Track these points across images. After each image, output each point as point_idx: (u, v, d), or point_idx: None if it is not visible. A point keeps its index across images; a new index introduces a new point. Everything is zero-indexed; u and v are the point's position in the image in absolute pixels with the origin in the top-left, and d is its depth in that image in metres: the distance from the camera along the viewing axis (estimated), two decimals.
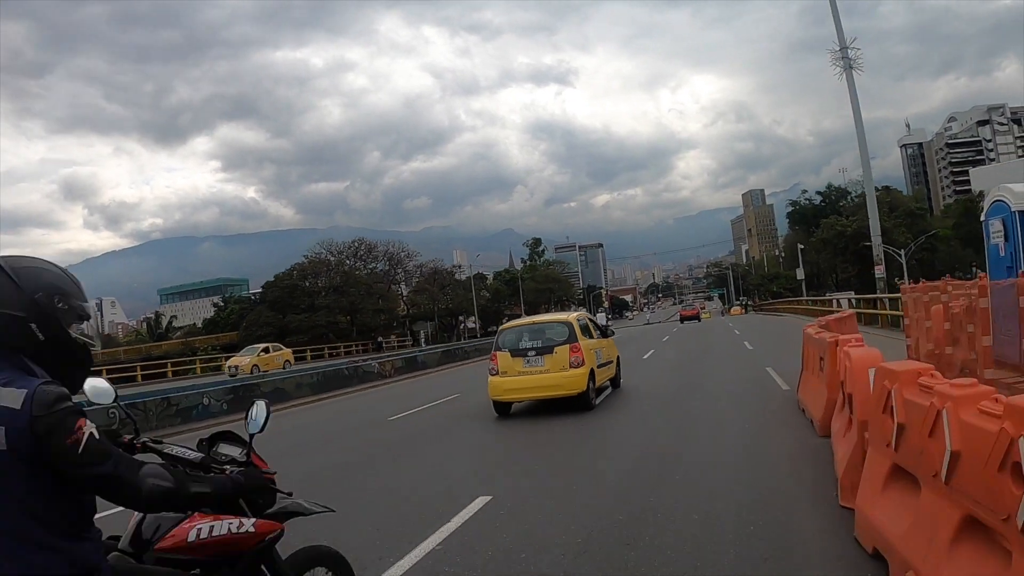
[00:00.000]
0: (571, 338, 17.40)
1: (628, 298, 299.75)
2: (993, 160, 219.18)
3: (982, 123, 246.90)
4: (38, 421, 2.77)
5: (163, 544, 3.50)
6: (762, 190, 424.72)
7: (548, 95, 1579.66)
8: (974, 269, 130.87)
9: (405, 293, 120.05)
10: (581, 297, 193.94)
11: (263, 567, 3.92)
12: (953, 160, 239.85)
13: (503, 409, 18.03)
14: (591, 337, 18.74)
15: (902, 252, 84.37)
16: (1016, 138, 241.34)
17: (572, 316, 19.03)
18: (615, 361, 21.31)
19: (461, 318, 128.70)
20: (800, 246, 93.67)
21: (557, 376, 17.05)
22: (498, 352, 18.06)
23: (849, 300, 52.60)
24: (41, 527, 2.79)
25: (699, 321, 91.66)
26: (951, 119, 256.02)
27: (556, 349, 17.21)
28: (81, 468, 2.84)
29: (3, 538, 2.73)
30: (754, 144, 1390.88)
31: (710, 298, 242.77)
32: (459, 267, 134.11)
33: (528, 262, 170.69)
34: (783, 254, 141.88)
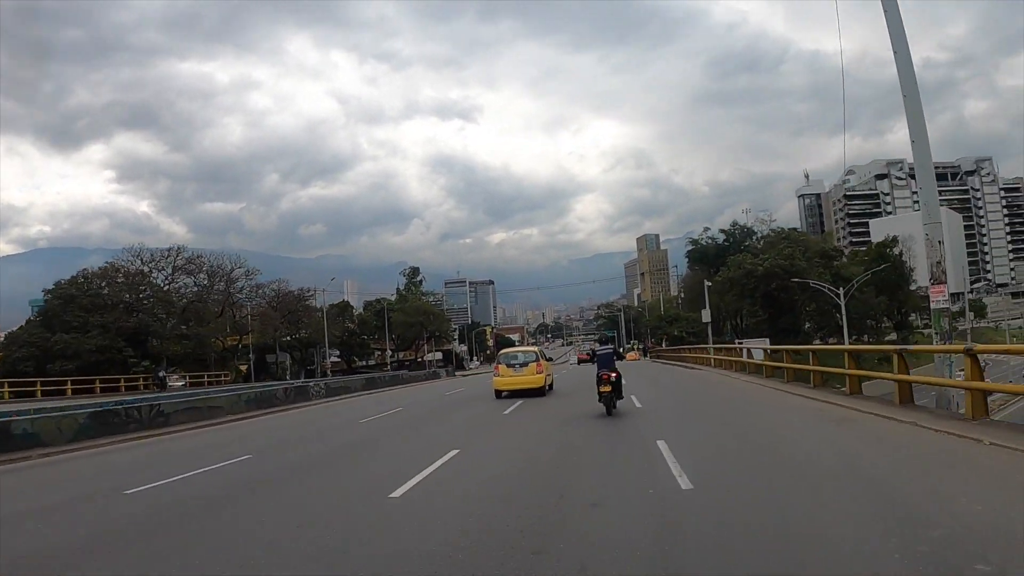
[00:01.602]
0: (538, 360, 33.56)
1: (516, 337, 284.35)
2: (890, 213, 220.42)
3: (880, 177, 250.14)
4: None
5: None
6: (657, 235, 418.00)
7: (451, 130, 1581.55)
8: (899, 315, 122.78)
9: (246, 316, 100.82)
10: (456, 334, 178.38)
11: None
12: (851, 211, 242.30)
13: (499, 394, 32.43)
14: (546, 360, 36.74)
15: (841, 292, 70.69)
16: (912, 192, 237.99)
17: (538, 349, 38.13)
18: (552, 374, 37.71)
19: (325, 351, 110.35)
20: (707, 283, 79.34)
21: (530, 378, 32.32)
22: (499, 364, 34.16)
23: (765, 351, 39.63)
24: None
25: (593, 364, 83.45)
26: (850, 172, 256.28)
27: (530, 364, 32.97)
28: None
29: None
30: (651, 191, 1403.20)
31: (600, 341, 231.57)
32: (310, 291, 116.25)
33: (404, 292, 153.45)
34: (682, 295, 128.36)
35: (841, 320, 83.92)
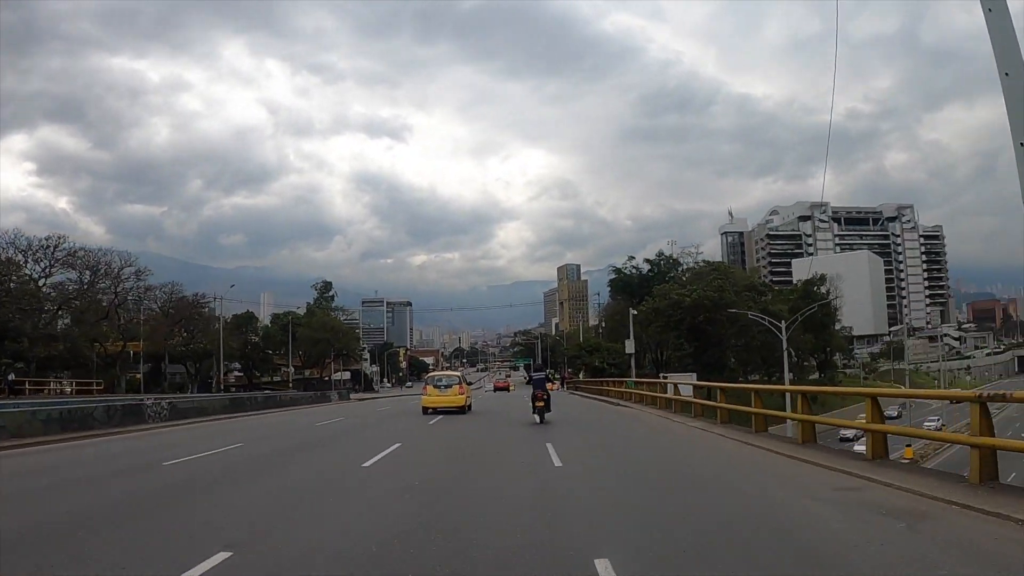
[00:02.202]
0: (460, 383, 39.20)
1: (430, 360, 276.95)
2: (811, 254, 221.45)
3: (803, 218, 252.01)
4: None
5: None
6: (578, 265, 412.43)
7: (380, 148, 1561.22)
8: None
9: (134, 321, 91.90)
10: (365, 355, 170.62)
11: None
12: (773, 251, 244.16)
13: (428, 411, 36.61)
14: (467, 384, 42.49)
15: (783, 326, 65.48)
16: (835, 235, 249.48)
17: (460, 374, 46.79)
18: (471, 396, 43.45)
19: (219, 363, 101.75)
20: (633, 312, 73.45)
21: (453, 398, 37.41)
22: (427, 385, 39.43)
23: (694, 387, 38.18)
24: None
25: (508, 392, 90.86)
26: (773, 212, 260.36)
27: (454, 386, 38.29)
28: None
29: None
30: (574, 222, 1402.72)
31: (516, 368, 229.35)
32: (203, 296, 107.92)
33: (314, 307, 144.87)
34: (603, 324, 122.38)
35: (782, 356, 79.44)
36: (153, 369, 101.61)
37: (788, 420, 29.49)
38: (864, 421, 16.11)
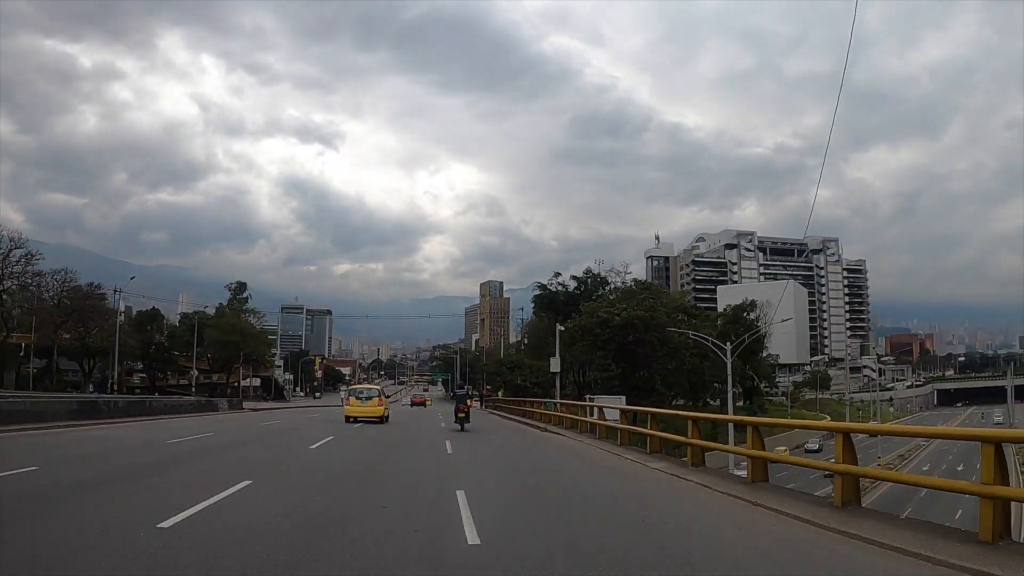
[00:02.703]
0: (380, 396, 44.20)
1: (347, 371, 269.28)
2: (736, 282, 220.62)
3: (730, 247, 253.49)
4: None
5: None
6: (501, 282, 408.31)
7: (310, 153, 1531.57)
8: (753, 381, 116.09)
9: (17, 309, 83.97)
10: (277, 360, 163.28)
11: None
12: (698, 277, 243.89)
13: (350, 420, 41.01)
14: (385, 397, 46.99)
15: (728, 348, 60.93)
16: (760, 265, 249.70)
17: (380, 388, 52.10)
18: (389, 408, 48.35)
19: (115, 361, 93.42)
20: (560, 327, 68.13)
21: (373, 408, 42.21)
22: (350, 397, 45.28)
23: (622, 412, 32.54)
24: None
25: (425, 407, 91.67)
26: (700, 239, 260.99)
27: (374, 398, 43.30)
28: None
29: None
30: (500, 239, 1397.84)
31: (434, 382, 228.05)
32: (98, 287, 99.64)
33: (226, 308, 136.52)
34: (526, 340, 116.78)
35: (711, 382, 75.13)
36: (48, 365, 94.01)
37: (731, 454, 28.58)
38: (833, 462, 14.18)
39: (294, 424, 40.47)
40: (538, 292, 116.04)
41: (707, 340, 71.15)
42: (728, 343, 67.61)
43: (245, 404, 79.64)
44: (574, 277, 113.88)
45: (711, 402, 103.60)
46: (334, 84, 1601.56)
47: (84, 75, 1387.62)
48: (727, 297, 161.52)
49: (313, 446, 25.45)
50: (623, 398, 56.38)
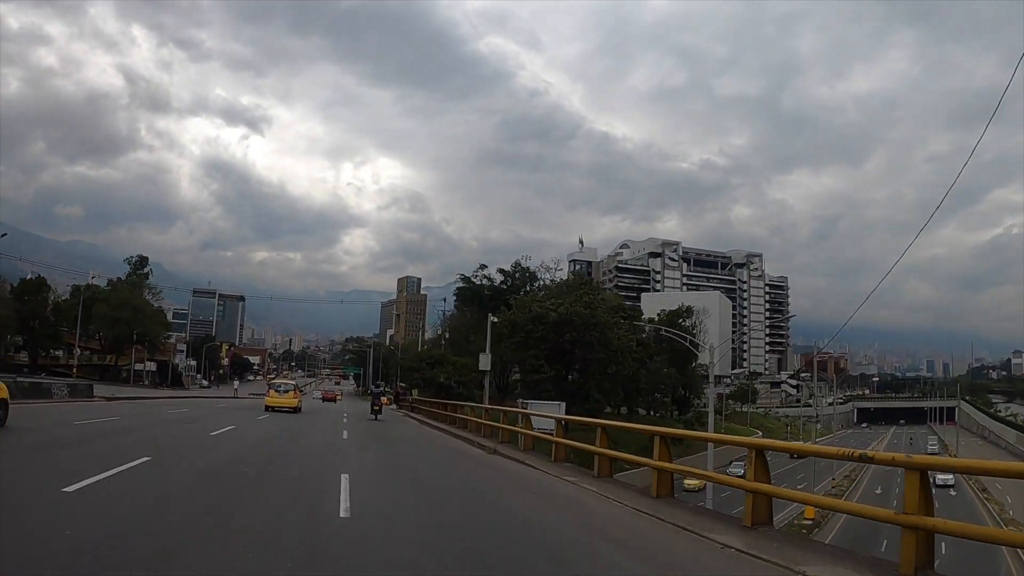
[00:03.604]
0: (295, 390, 52.11)
1: (256, 360, 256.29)
2: (659, 290, 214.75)
3: (654, 255, 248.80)
4: None
5: None
6: (419, 279, 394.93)
7: (235, 136, 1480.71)
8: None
9: None
10: (181, 346, 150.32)
11: None
12: (621, 283, 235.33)
13: (267, 408, 46.41)
14: (300, 391, 55.34)
15: (711, 347, 52.21)
16: (683, 275, 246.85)
17: (295, 383, 64.47)
18: (302, 401, 53.75)
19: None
20: (493, 318, 58.00)
21: (290, 400, 47.83)
22: (271, 389, 50.98)
23: (559, 421, 24.40)
24: None
25: (335, 403, 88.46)
26: (624, 245, 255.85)
27: (291, 391, 49.84)
28: None
29: None
30: (420, 236, 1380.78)
31: (345, 376, 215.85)
32: None
33: (122, 282, 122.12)
34: (447, 335, 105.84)
35: (647, 390, 66.05)
36: None
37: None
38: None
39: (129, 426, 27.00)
40: (461, 285, 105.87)
41: (682, 337, 62.91)
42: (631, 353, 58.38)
43: (127, 391, 66.60)
44: (501, 270, 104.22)
45: (642, 412, 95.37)
46: (265, 67, 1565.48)
47: (10, 36, 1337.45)
48: (652, 304, 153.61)
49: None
50: (562, 404, 46.04)
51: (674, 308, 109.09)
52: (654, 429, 16.37)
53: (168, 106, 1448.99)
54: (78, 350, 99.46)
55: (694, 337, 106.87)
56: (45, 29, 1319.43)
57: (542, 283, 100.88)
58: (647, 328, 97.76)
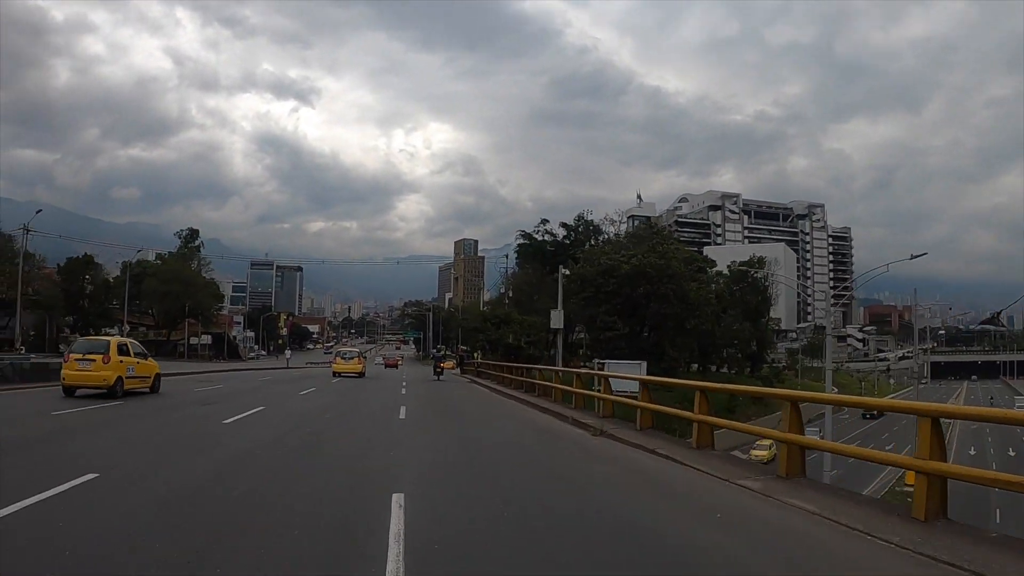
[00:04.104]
0: (359, 357, 56.24)
1: (315, 328, 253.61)
2: (720, 244, 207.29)
3: (713, 208, 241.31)
4: None
5: None
6: (476, 241, 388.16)
7: (285, 109, 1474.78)
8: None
9: None
10: (228, 314, 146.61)
11: None
12: (681, 238, 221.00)
13: (335, 375, 49.53)
14: (364, 358, 59.48)
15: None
16: (745, 228, 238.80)
17: (360, 350, 65.57)
18: (366, 367, 57.49)
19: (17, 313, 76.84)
20: (564, 270, 52.36)
21: (355, 366, 52.23)
22: (337, 357, 54.50)
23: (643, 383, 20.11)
24: None
25: (396, 369, 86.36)
26: (683, 199, 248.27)
27: (355, 358, 54.04)
28: None
29: None
30: (475, 199, 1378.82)
31: (406, 341, 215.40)
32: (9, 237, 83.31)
33: (173, 255, 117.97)
34: (510, 294, 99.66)
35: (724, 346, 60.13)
36: None
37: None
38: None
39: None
40: (522, 241, 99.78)
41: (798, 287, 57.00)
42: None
43: (175, 365, 60.21)
44: (563, 224, 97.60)
45: (715, 369, 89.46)
46: (311, 39, 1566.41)
47: (55, 28, 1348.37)
48: (715, 258, 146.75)
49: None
50: (643, 364, 40.12)
51: (745, 259, 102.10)
52: (782, 392, 13.31)
53: (217, 84, 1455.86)
54: (127, 327, 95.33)
55: (766, 290, 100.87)
56: (90, 18, 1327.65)
57: (606, 237, 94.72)
58: (719, 281, 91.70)
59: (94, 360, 24.32)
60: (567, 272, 54.88)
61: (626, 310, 65.47)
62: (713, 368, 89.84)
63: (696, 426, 14.83)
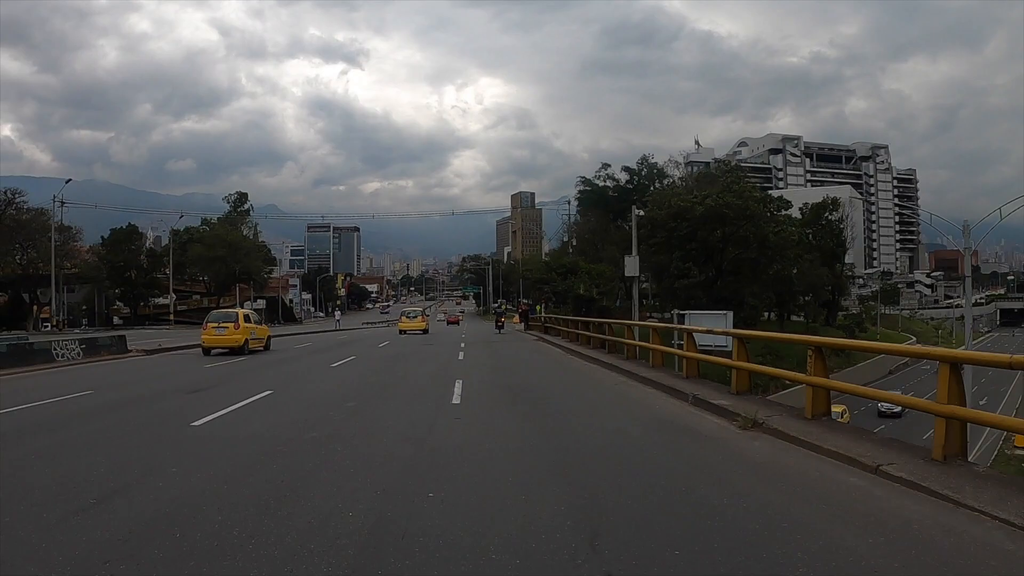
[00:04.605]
0: (423, 315, 59.01)
1: (374, 287, 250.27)
2: (783, 187, 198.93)
3: (774, 152, 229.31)
4: None
5: None
6: (533, 193, 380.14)
7: (334, 73, 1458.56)
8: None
9: None
10: (282, 276, 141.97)
11: None
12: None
13: (401, 332, 52.72)
14: (426, 315, 63.77)
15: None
16: (807, 171, 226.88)
17: (423, 308, 73.09)
18: (429, 324, 61.91)
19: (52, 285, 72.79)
20: (638, 211, 46.35)
21: (419, 324, 55.22)
22: (402, 316, 58.01)
23: (735, 338, 15.08)
24: None
25: (458, 326, 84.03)
26: (742, 143, 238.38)
27: (419, 316, 57.26)
28: None
29: None
30: (530, 152, 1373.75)
31: (466, 296, 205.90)
32: (19, 193, 78.78)
33: (219, 221, 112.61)
34: (574, 242, 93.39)
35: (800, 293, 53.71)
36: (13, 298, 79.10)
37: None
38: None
39: None
40: (583, 188, 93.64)
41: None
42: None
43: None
44: (626, 168, 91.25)
45: (787, 318, 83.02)
46: (356, 0, 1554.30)
47: (100, 10, 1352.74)
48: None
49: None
50: (729, 314, 33.92)
51: (818, 200, 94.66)
52: (938, 352, 9.45)
53: (265, 52, 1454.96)
54: (173, 295, 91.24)
55: (841, 232, 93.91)
56: None
57: (671, 181, 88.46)
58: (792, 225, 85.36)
59: (227, 327, 31.23)
60: (641, 212, 48.85)
61: (700, 256, 59.51)
62: (790, 318, 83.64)
63: (811, 392, 11.49)
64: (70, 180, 71.47)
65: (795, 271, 69.84)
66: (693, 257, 58.95)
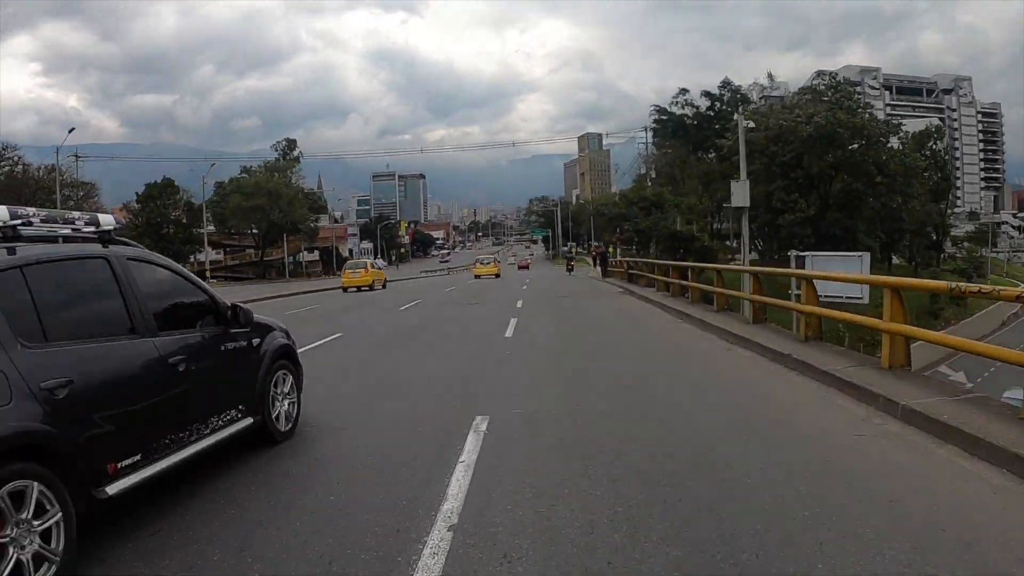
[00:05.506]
0: (495, 261, 64.85)
1: (439, 234, 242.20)
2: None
3: (852, 84, 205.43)
4: None
5: None
6: (600, 134, 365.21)
7: (394, 22, 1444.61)
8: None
9: None
10: (353, 229, 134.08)
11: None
12: None
13: (477, 277, 56.59)
14: (497, 262, 68.28)
15: None
16: (887, 105, 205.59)
17: (496, 255, 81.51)
18: (501, 269, 66.93)
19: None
20: (747, 121, 36.22)
21: (492, 269, 59.26)
22: (476, 262, 65.70)
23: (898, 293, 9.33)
24: None
25: (528, 270, 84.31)
26: (819, 74, 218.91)
27: (491, 262, 61.80)
28: None
29: None
30: (596, 95, 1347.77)
31: (535, 240, 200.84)
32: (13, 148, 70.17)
33: (268, 167, 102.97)
34: (652, 175, 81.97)
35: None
36: None
37: None
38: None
39: None
40: (658, 117, 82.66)
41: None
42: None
43: (253, 289, 49.93)
44: (706, 93, 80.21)
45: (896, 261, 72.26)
46: None
47: None
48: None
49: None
50: (865, 257, 23.61)
51: (921, 128, 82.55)
52: None
53: (323, 6, 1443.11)
54: (209, 249, 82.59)
55: (946, 165, 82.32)
56: None
57: (757, 105, 77.17)
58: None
59: (360, 271, 43.24)
60: (751, 124, 38.64)
61: (805, 186, 49.16)
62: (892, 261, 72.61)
63: None
64: (73, 129, 61.85)
65: (910, 206, 58.90)
66: (799, 187, 48.57)
